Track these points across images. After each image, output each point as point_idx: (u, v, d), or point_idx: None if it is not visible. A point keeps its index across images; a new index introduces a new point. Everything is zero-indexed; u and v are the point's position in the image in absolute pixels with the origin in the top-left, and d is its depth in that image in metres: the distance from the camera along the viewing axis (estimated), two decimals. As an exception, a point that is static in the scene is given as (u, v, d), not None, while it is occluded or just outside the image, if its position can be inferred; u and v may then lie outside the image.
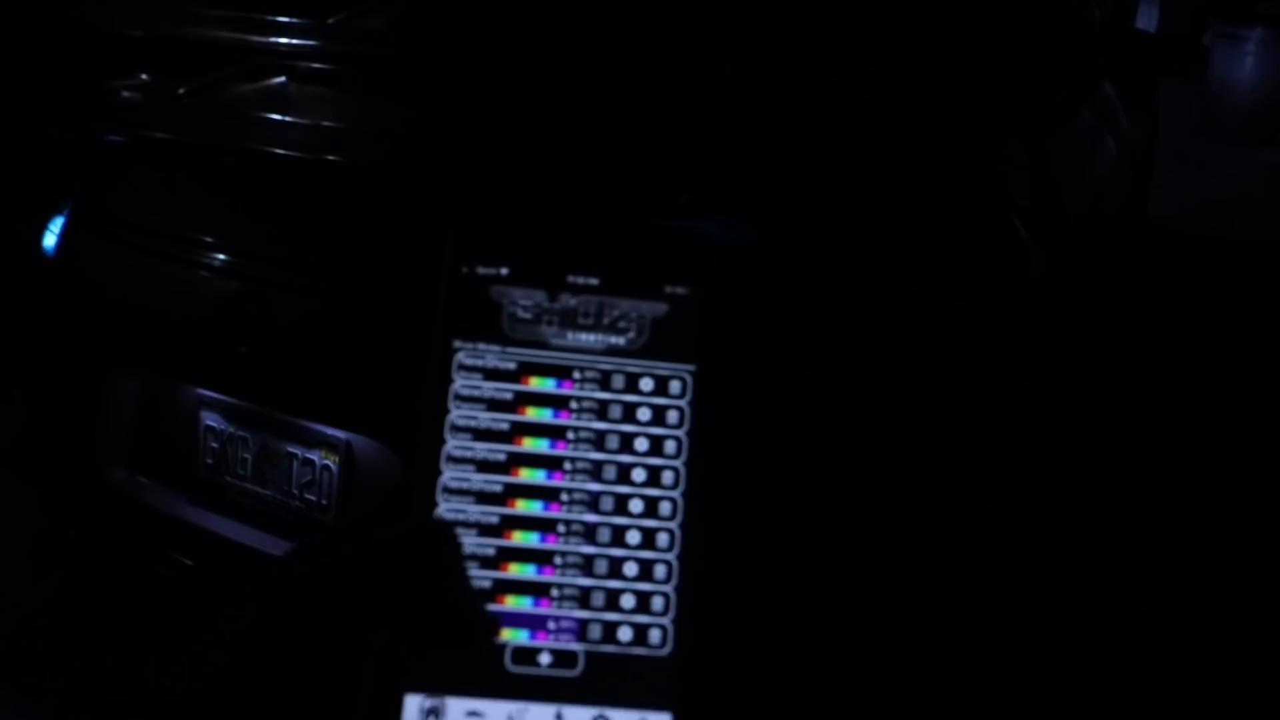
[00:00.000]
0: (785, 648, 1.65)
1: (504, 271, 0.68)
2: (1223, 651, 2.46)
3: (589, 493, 0.67)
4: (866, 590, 1.76)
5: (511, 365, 0.67)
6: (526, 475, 0.66)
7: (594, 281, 0.68)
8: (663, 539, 0.66)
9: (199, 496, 1.90)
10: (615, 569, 0.66)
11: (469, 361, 0.67)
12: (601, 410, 0.67)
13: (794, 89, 2.04)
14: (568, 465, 0.67)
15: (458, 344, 0.67)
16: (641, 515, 0.67)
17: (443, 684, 0.64)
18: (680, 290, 0.68)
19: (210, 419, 1.88)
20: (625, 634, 0.66)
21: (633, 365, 0.68)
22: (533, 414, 0.67)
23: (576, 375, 0.67)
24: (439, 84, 2.03)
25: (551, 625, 0.65)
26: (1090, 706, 2.27)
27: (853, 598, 1.74)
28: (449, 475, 0.66)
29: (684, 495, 0.67)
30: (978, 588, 2.18)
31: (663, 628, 0.66)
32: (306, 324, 1.76)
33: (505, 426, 0.67)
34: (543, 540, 0.66)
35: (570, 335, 0.68)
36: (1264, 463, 3.30)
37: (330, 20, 2.38)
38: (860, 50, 2.22)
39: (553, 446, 0.67)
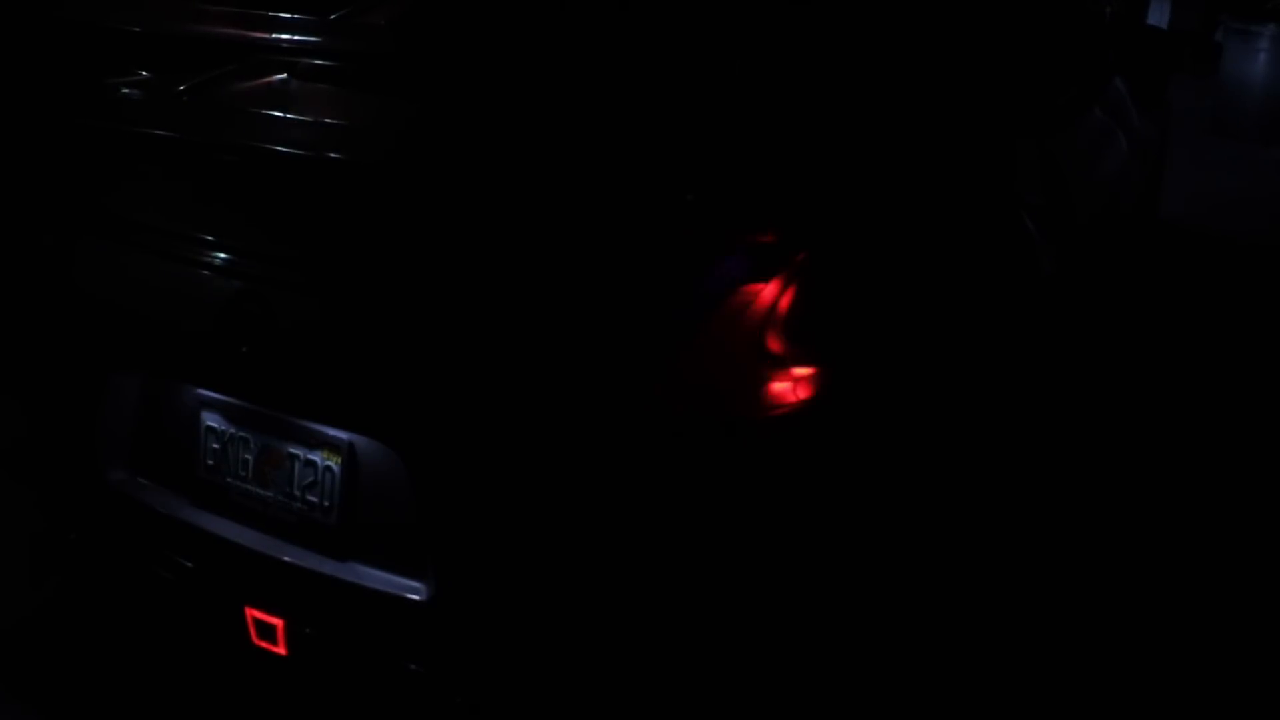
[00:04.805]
0: None
1: None
2: (1222, 651, 2.44)
3: None
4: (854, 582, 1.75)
5: None
6: None
7: None
8: None
9: (199, 498, 1.89)
10: None
11: None
12: None
13: (802, 86, 2.02)
14: None
15: None
16: None
17: None
18: None
19: (211, 420, 1.86)
20: None
21: None
22: None
23: None
24: (442, 81, 2.02)
25: None
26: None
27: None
28: None
29: None
30: (981, 587, 2.17)
31: None
32: (308, 324, 1.75)
33: None
34: None
35: None
36: (1271, 464, 3.27)
37: (332, 17, 2.37)
38: (870, 47, 2.20)
39: None
